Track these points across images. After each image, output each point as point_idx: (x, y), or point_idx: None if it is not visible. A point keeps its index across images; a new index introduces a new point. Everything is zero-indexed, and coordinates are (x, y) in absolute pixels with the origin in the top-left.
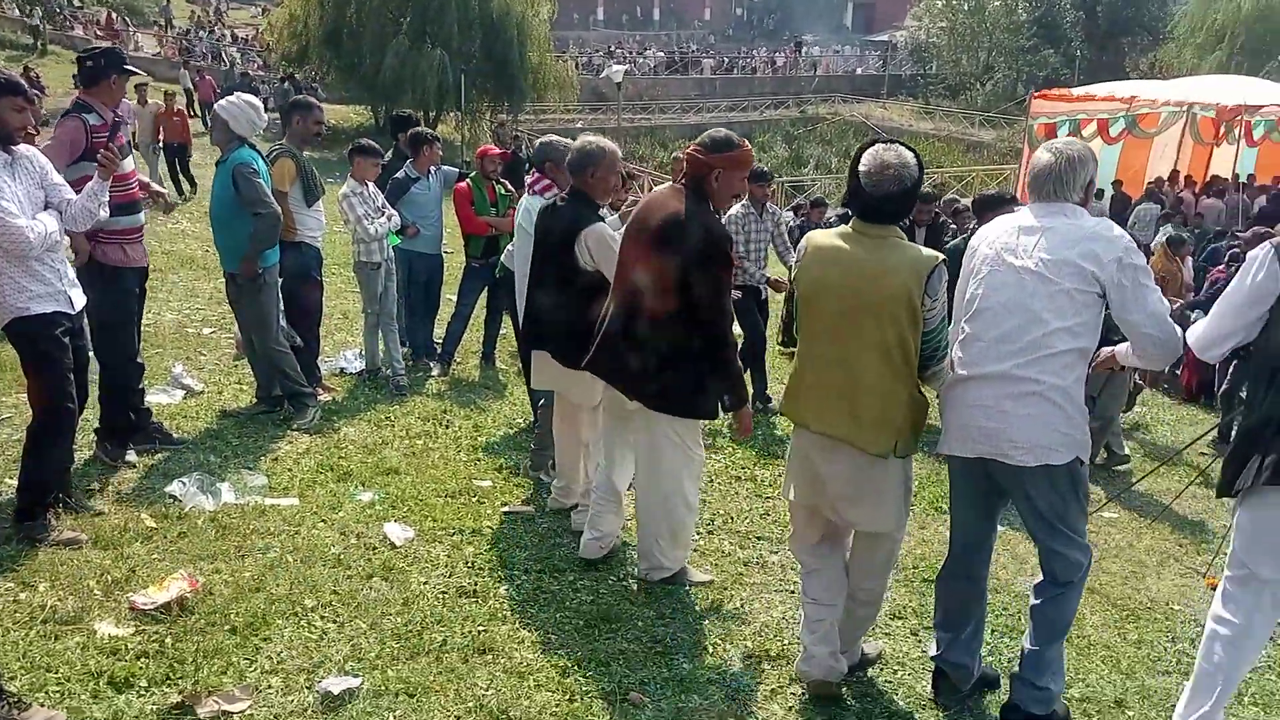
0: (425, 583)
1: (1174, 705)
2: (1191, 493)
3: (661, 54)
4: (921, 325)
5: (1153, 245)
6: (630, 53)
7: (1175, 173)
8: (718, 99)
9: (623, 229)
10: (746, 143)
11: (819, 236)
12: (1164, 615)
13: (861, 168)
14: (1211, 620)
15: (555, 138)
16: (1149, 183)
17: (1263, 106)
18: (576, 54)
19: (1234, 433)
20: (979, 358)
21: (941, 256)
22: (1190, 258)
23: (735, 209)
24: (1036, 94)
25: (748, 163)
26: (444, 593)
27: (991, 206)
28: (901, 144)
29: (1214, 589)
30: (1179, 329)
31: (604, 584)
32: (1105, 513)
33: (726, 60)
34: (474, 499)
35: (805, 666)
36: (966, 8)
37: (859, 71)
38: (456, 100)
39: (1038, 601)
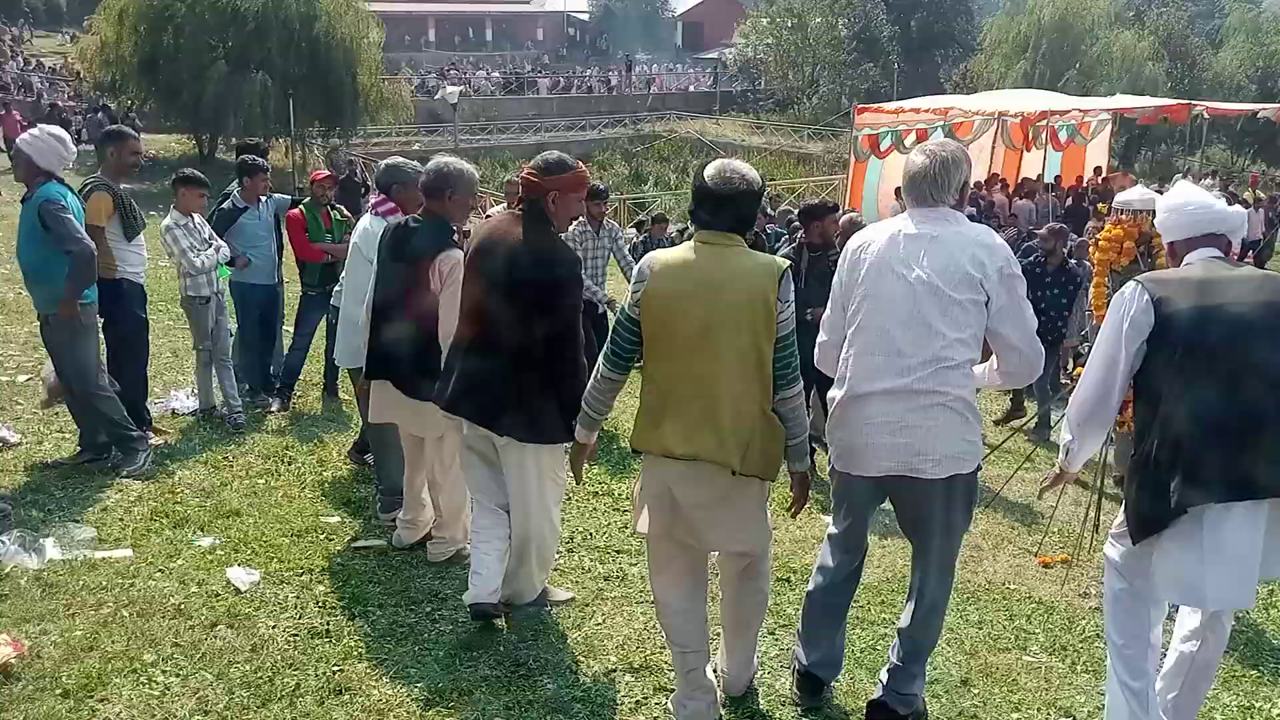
0: (274, 626)
1: (1015, 680)
2: (1020, 477)
3: (497, 74)
4: (775, 332)
5: None
6: (464, 74)
7: (992, 176)
8: (555, 119)
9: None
10: (581, 164)
11: (663, 255)
12: (1001, 595)
13: (708, 173)
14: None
15: (402, 160)
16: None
17: (1067, 111)
18: (409, 75)
19: (1129, 467)
20: (876, 373)
21: (788, 262)
22: None
23: (571, 227)
24: (860, 107)
25: (584, 184)
26: (295, 635)
27: (817, 215)
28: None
29: (1046, 567)
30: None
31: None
32: None
33: (562, 80)
34: (322, 536)
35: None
36: (790, 25)
37: (691, 89)
38: (284, 126)
39: (908, 624)
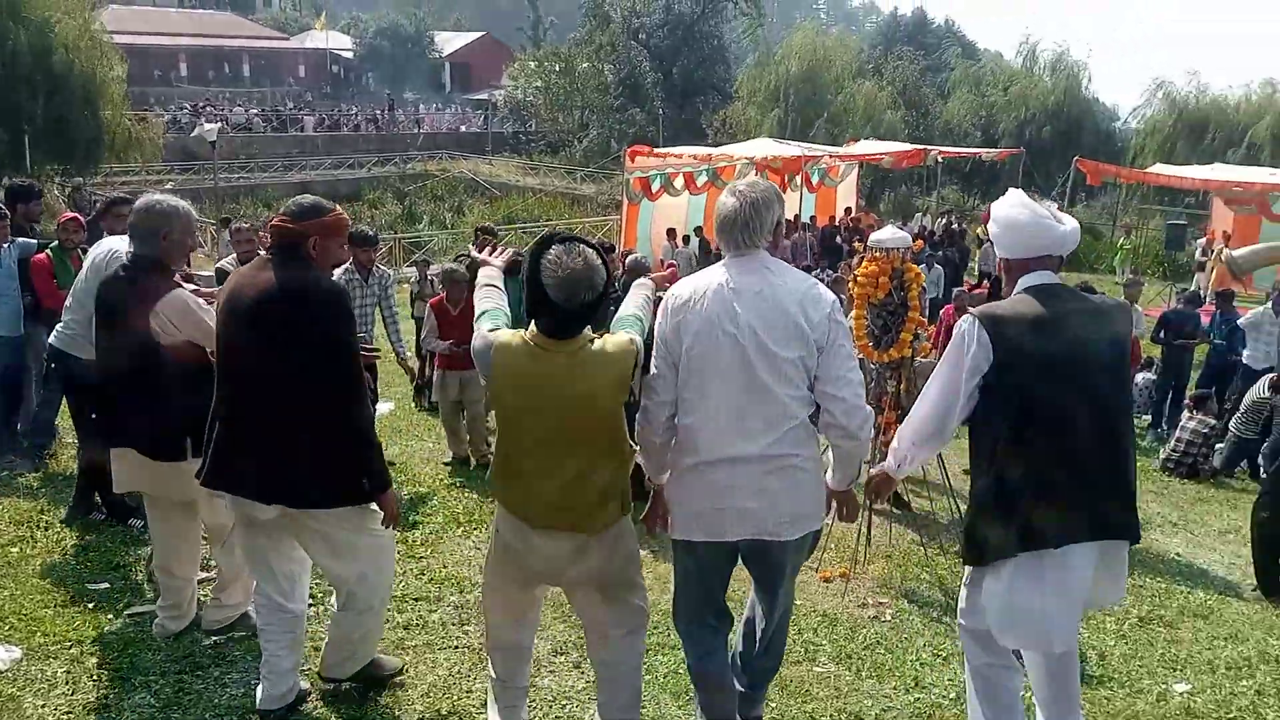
0: (43, 706)
1: (808, 690)
2: None
3: (256, 111)
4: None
5: None
6: (221, 110)
7: None
8: (321, 157)
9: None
10: (338, 207)
11: (505, 356)
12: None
13: (548, 281)
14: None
15: (158, 198)
16: None
17: (819, 157)
18: (160, 113)
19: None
20: (721, 440)
21: (638, 346)
22: None
23: (337, 274)
24: (631, 150)
25: (344, 227)
26: (69, 713)
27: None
28: (578, 239)
29: (826, 581)
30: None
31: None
32: None
33: (327, 118)
34: (90, 605)
35: None
36: (558, 69)
37: (463, 129)
38: (16, 166)
39: (758, 653)
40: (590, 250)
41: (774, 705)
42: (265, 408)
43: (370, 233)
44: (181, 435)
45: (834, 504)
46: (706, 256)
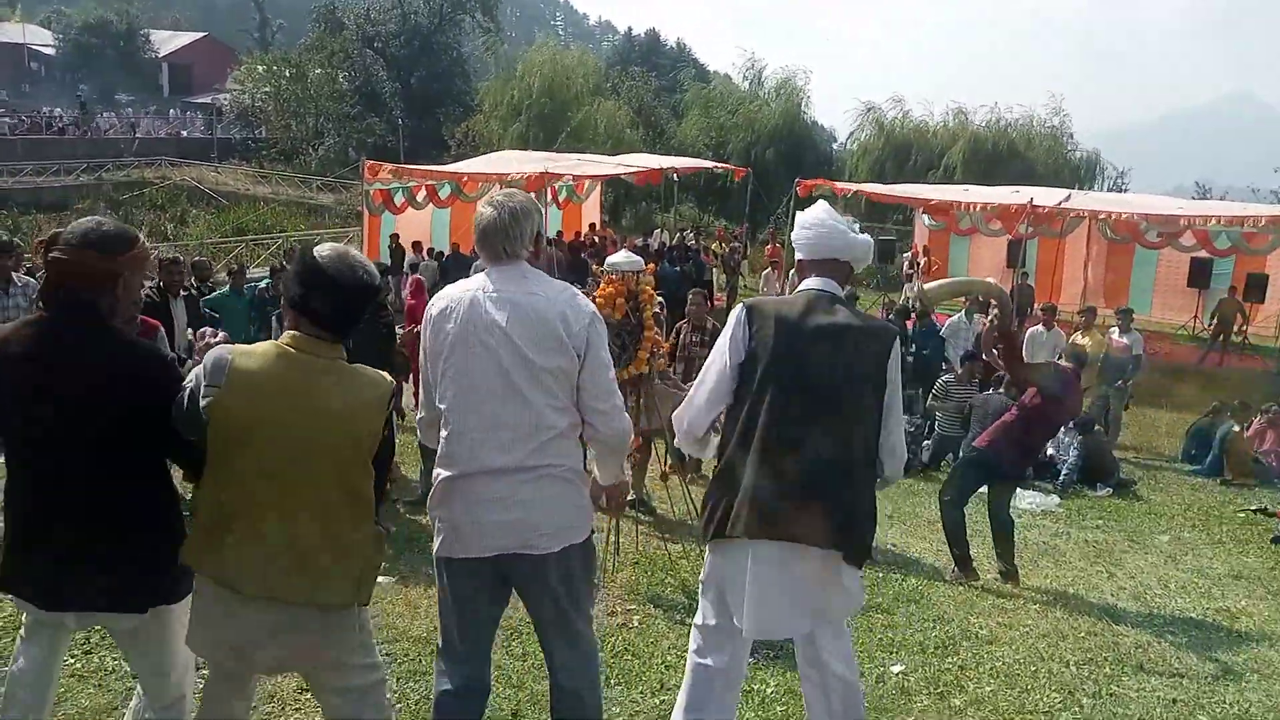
0: None
1: None
2: None
3: None
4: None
5: None
6: None
7: None
8: (21, 162)
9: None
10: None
11: (243, 361)
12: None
13: (323, 254)
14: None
15: None
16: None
17: (561, 175)
18: None
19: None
20: (477, 451)
21: (393, 382)
22: None
23: None
24: (370, 163)
25: (148, 260)
26: None
27: None
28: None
29: None
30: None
31: None
32: None
33: (27, 120)
34: None
35: None
36: (289, 74)
37: (184, 134)
38: None
39: (556, 708)
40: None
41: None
42: (73, 499)
43: (5, 239)
44: None
45: (603, 497)
46: (462, 269)
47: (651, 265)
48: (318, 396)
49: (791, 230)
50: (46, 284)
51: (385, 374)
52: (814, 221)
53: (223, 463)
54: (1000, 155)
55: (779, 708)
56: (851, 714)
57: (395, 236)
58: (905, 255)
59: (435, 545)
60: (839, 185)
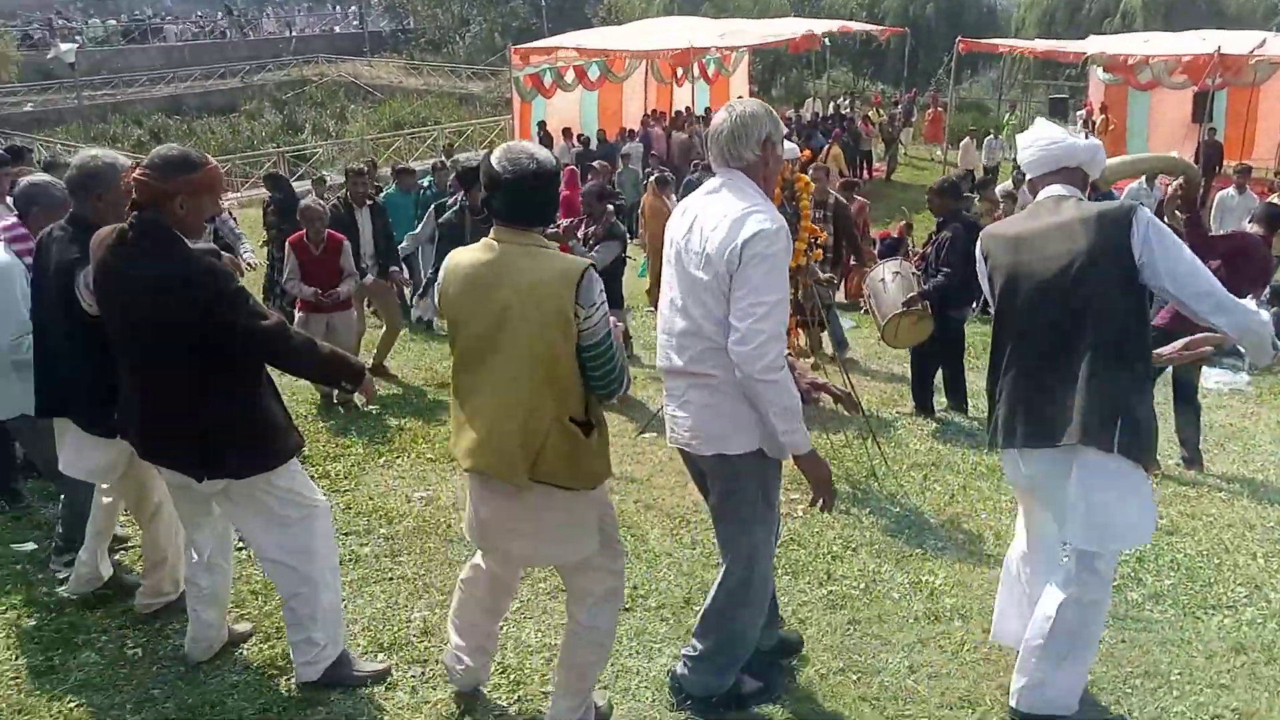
0: None
1: None
2: None
3: (114, 22)
4: (575, 339)
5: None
6: (73, 23)
7: (651, 111)
8: (189, 68)
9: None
10: (210, 159)
11: (458, 255)
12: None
13: (494, 158)
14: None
15: (47, 178)
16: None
17: (709, 48)
18: (6, 29)
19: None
20: (662, 351)
21: (589, 262)
22: (674, 194)
23: None
24: (516, 49)
25: (219, 181)
26: (15, 679)
27: (478, 178)
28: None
29: None
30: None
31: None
32: (647, 433)
33: (193, 27)
34: (18, 566)
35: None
36: None
37: (337, 30)
38: None
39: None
40: (532, 145)
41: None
42: (190, 385)
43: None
44: (109, 410)
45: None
46: (610, 154)
47: (806, 151)
48: (503, 279)
49: (952, 93)
50: (129, 200)
51: (575, 261)
52: (1031, 141)
53: (452, 348)
54: None
55: (948, 600)
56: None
57: (543, 124)
58: (1080, 113)
59: None
60: (1003, 44)
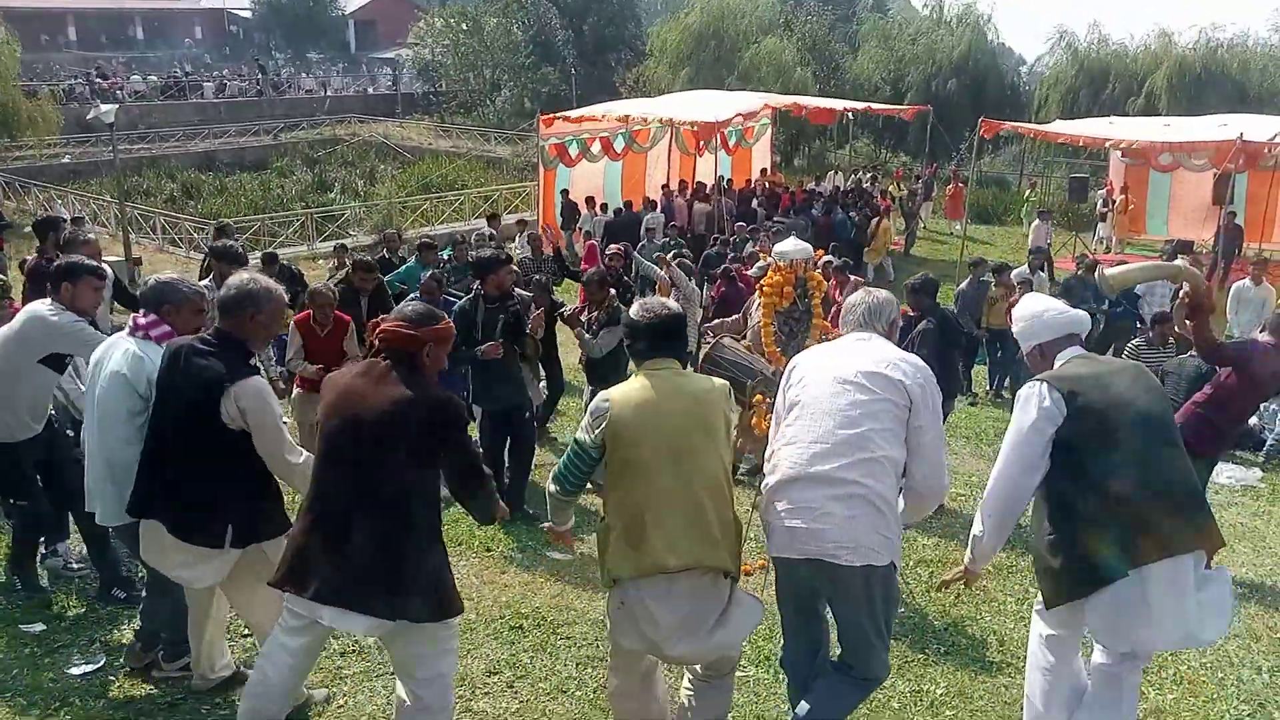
0: None
1: None
2: None
3: (155, 78)
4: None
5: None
6: (116, 77)
7: (682, 182)
8: (224, 124)
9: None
10: (446, 317)
11: (618, 393)
12: None
13: (634, 313)
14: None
15: (175, 277)
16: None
17: (731, 119)
18: (51, 82)
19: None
20: (803, 458)
21: (726, 384)
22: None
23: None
24: (543, 115)
25: (452, 335)
26: None
27: (491, 268)
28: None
29: (747, 574)
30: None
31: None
32: None
33: (228, 83)
34: (26, 650)
35: None
36: (465, 28)
37: (371, 91)
38: None
39: (827, 683)
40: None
41: None
42: (402, 522)
43: (238, 250)
44: (217, 522)
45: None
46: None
47: (820, 251)
48: (675, 401)
49: (973, 168)
50: (383, 345)
51: (718, 382)
52: (1041, 312)
53: (623, 472)
54: (1211, 79)
55: (948, 712)
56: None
57: (565, 192)
58: (1100, 193)
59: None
60: (1025, 127)
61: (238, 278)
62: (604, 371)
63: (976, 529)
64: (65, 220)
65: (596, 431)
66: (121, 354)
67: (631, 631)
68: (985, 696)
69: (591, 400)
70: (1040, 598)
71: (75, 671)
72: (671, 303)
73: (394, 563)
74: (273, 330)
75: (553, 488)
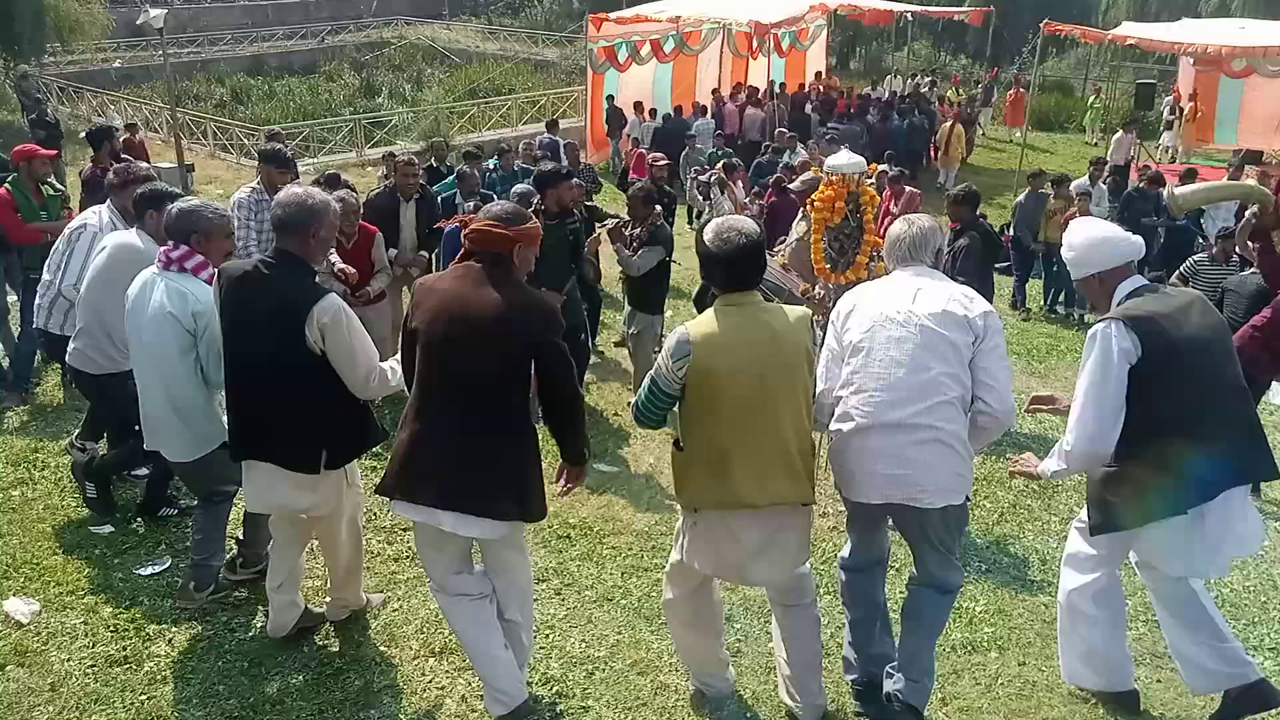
0: (68, 660)
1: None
2: None
3: None
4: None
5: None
6: None
7: (737, 85)
8: (273, 27)
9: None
10: (532, 216)
11: (697, 329)
12: None
13: (707, 238)
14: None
15: (198, 203)
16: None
17: (783, 20)
18: None
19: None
20: (876, 407)
21: (808, 310)
22: (741, 180)
23: (244, 193)
24: (594, 17)
25: (539, 235)
26: (93, 666)
27: (551, 182)
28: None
29: None
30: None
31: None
32: None
33: None
34: (96, 550)
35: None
36: None
37: None
38: None
39: (917, 605)
40: (744, 221)
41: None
42: (499, 421)
43: (287, 155)
44: (324, 445)
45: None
46: (682, 130)
47: (874, 165)
48: (758, 335)
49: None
50: (477, 246)
51: (799, 310)
52: (1101, 239)
53: (707, 408)
54: None
55: (986, 629)
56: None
57: (611, 98)
58: (1167, 99)
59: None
60: (1089, 31)
61: (290, 193)
62: (643, 289)
63: (1057, 464)
64: (118, 129)
65: (678, 373)
66: (161, 293)
67: (709, 557)
68: (1024, 614)
69: (633, 316)
70: (1084, 519)
71: (144, 572)
72: (749, 224)
73: (509, 466)
74: (331, 244)
75: (634, 418)
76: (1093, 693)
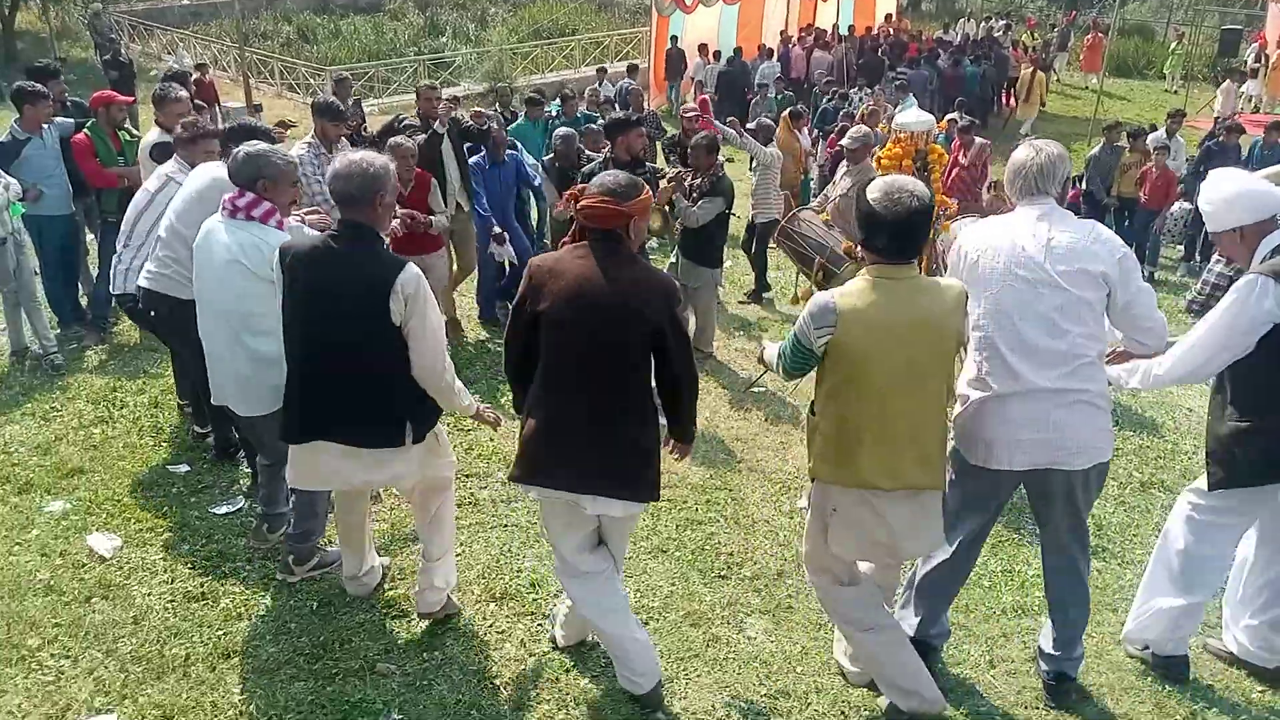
0: (149, 594)
1: None
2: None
3: None
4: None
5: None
6: None
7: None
8: None
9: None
10: (646, 188)
11: (845, 301)
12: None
13: (873, 197)
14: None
15: (262, 148)
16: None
17: None
18: None
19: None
20: (1015, 373)
21: (963, 285)
22: (806, 127)
23: (302, 149)
24: None
25: (650, 207)
26: (171, 601)
27: (621, 130)
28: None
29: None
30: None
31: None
32: (756, 389)
33: None
34: (174, 489)
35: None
36: None
37: None
38: None
39: (1064, 566)
40: (909, 180)
41: (790, 583)
42: (626, 400)
43: (340, 107)
44: (401, 421)
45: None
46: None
47: (944, 123)
48: (910, 317)
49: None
50: (593, 224)
51: (956, 284)
52: (1243, 191)
53: (846, 384)
54: None
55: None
56: None
57: (674, 39)
58: (1253, 46)
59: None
60: None
61: (348, 163)
62: (697, 242)
63: (1139, 381)
64: (191, 72)
65: (820, 340)
66: (230, 242)
67: (855, 542)
68: None
69: (690, 269)
70: (1204, 480)
71: (219, 511)
72: (919, 185)
73: (646, 446)
74: (394, 206)
75: (773, 362)
76: (1142, 658)
